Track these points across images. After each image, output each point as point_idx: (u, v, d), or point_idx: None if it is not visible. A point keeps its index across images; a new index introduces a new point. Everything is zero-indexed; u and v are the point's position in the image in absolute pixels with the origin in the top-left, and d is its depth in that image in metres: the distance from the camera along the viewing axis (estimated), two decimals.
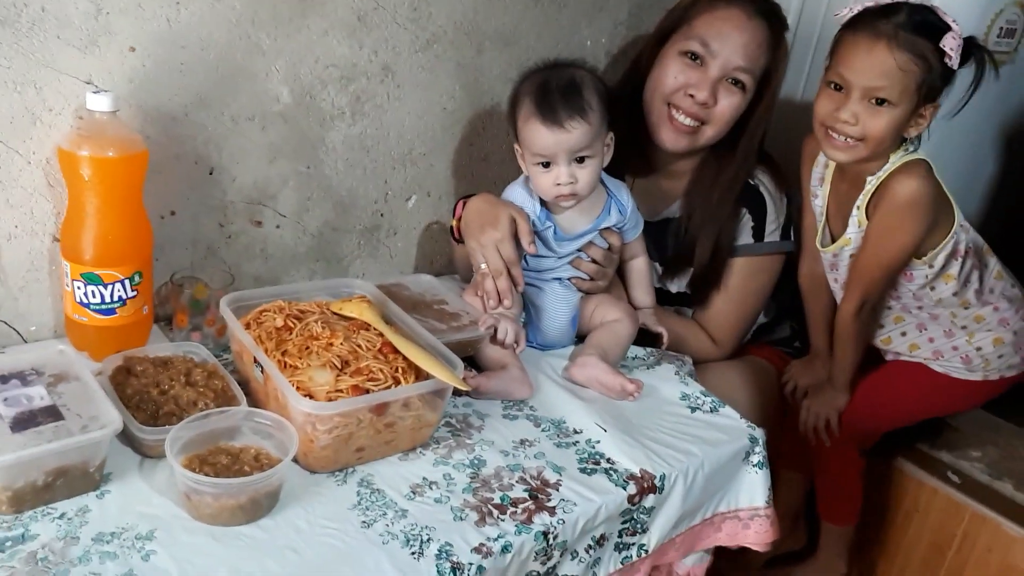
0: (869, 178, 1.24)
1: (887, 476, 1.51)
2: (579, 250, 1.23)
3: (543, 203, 1.20)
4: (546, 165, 1.16)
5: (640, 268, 1.32)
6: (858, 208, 1.26)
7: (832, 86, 1.20)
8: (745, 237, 1.38)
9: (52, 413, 0.86)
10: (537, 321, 1.24)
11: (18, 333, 1.10)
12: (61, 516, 0.83)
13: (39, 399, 0.88)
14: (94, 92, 0.99)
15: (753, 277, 1.40)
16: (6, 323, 1.08)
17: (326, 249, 1.34)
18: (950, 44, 1.12)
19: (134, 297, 1.06)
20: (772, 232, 1.38)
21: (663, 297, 1.43)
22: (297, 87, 1.21)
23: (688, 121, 1.30)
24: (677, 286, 1.43)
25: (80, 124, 1.03)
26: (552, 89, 1.14)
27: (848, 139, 1.19)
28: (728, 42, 1.27)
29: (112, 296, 1.04)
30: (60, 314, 1.10)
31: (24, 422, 0.84)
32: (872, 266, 1.27)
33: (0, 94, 0.99)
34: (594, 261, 1.24)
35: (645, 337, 1.29)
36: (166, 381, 0.98)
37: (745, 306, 1.42)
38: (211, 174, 1.18)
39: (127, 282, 1.04)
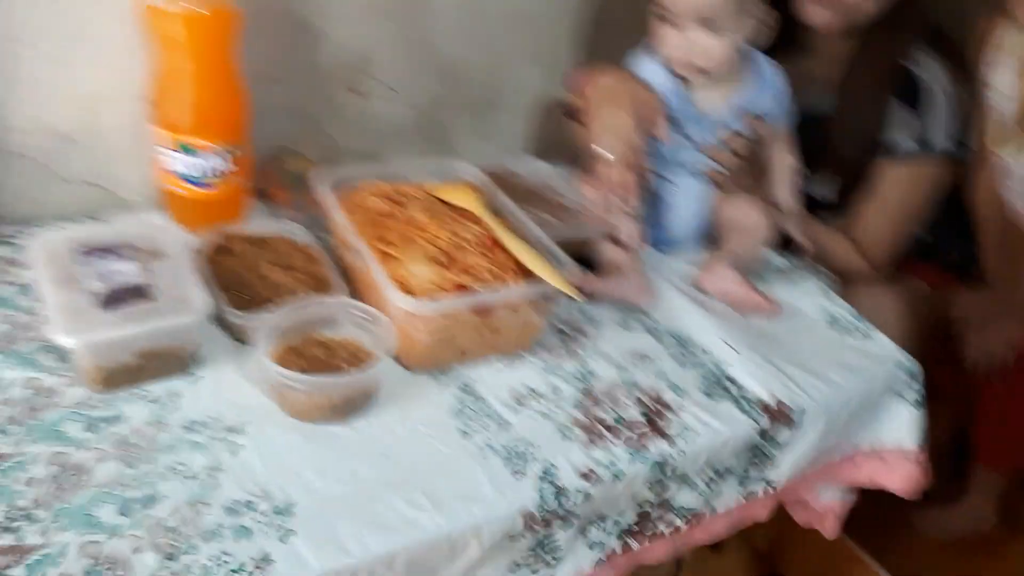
0: None
1: None
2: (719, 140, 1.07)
3: (679, 77, 1.04)
4: (675, 24, 1.00)
5: (787, 164, 1.14)
6: None
7: None
8: (905, 139, 1.20)
9: (144, 292, 0.81)
10: (663, 218, 1.11)
11: (118, 199, 1.06)
12: (154, 400, 0.80)
13: (132, 276, 0.83)
14: None
15: (912, 187, 1.23)
16: (106, 189, 1.05)
17: (433, 125, 1.23)
18: None
19: (232, 170, 0.99)
20: (938, 134, 1.20)
21: (807, 203, 1.25)
22: None
23: None
24: (824, 192, 1.27)
25: None
26: None
27: None
28: None
29: (209, 168, 0.97)
30: (158, 184, 1.05)
31: (116, 299, 0.80)
32: None
33: None
34: (735, 154, 1.08)
35: (786, 245, 1.14)
36: (264, 264, 0.92)
37: (900, 220, 1.26)
38: (314, 38, 1.07)
39: (224, 154, 0.97)
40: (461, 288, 0.84)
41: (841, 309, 1.06)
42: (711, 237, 1.13)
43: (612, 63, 1.08)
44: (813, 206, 1.27)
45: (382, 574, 0.69)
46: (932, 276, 1.35)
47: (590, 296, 0.97)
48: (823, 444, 0.92)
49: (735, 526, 0.94)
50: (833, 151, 1.23)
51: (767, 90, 1.07)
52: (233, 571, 0.65)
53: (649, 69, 1.05)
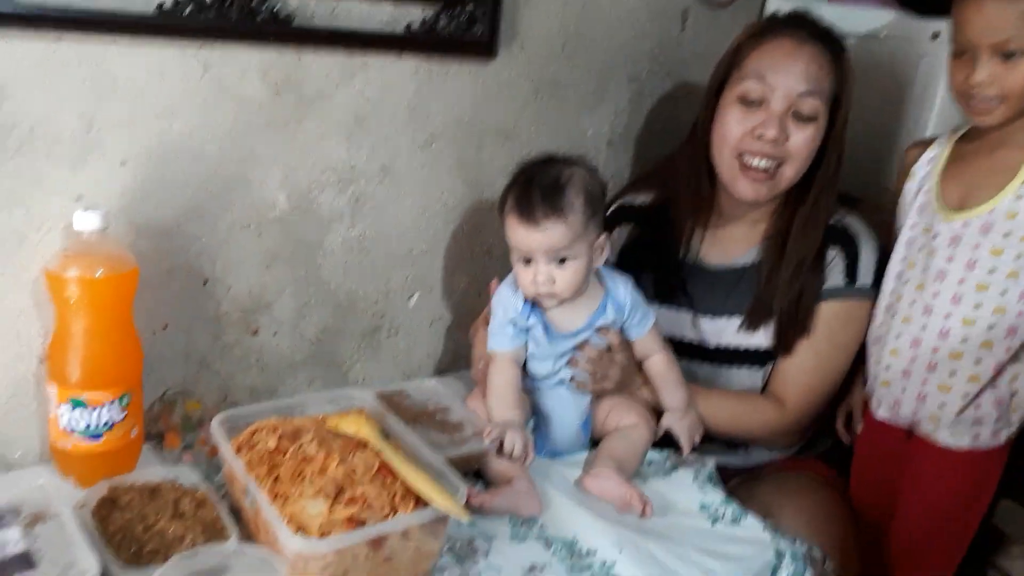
0: None
1: None
2: (577, 349, 1.17)
3: (534, 300, 1.15)
4: (528, 262, 1.11)
5: (659, 367, 1.22)
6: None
7: (959, 55, 1.13)
8: (835, 279, 1.26)
9: (26, 561, 0.81)
10: (546, 428, 1.18)
11: (3, 458, 1.05)
12: None
13: (13, 544, 0.82)
14: (82, 211, 0.97)
15: (843, 327, 1.26)
16: None
17: (325, 354, 1.29)
18: None
19: (122, 420, 1.01)
20: (865, 274, 1.26)
21: (740, 356, 1.32)
22: (294, 192, 1.18)
23: (764, 164, 1.21)
24: (759, 341, 1.30)
25: (68, 244, 1.00)
26: (534, 186, 1.09)
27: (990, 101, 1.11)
28: (784, 71, 1.19)
29: (99, 420, 0.99)
30: (47, 439, 1.05)
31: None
32: None
33: None
34: (591, 361, 1.17)
35: (671, 439, 1.21)
36: (152, 514, 0.92)
37: (829, 363, 1.27)
38: (205, 285, 1.15)
39: (115, 404, 1.00)
40: (352, 521, 0.87)
41: (713, 497, 1.13)
42: (594, 438, 1.20)
43: (493, 284, 1.20)
44: (747, 358, 1.31)
45: None
46: (821, 468, 1.36)
47: (481, 509, 1.01)
48: None
49: None
50: (764, 298, 1.27)
51: (615, 303, 1.17)
52: None
53: (504, 292, 1.16)
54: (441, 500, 0.90)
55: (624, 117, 1.52)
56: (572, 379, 1.17)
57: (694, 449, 1.20)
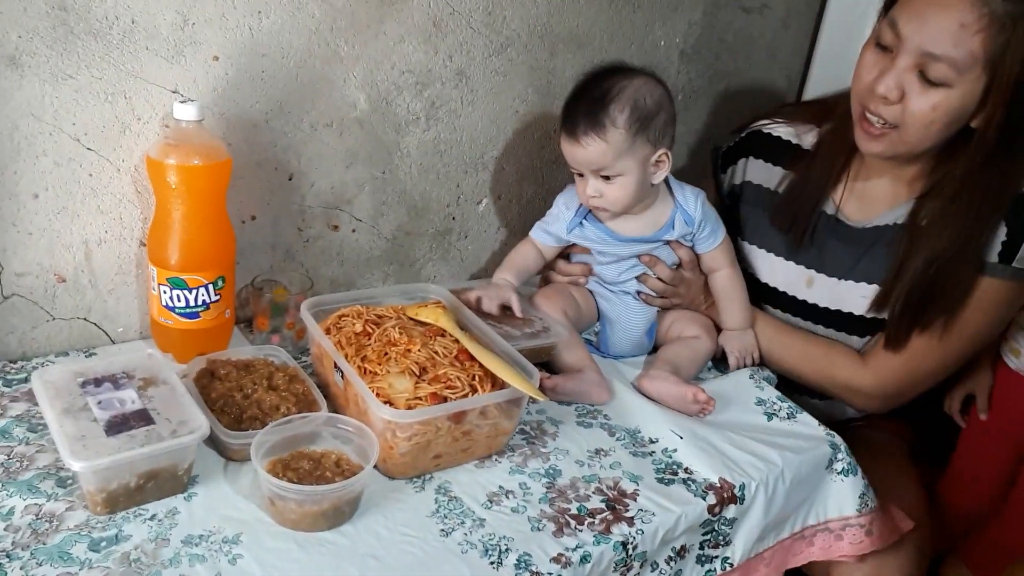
0: None
1: None
2: (646, 263, 1.20)
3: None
4: (581, 174, 1.13)
5: (723, 283, 1.21)
6: None
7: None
8: (991, 255, 1.10)
9: (143, 417, 0.88)
10: (611, 332, 1.23)
11: (107, 334, 1.13)
12: (152, 517, 0.85)
13: (131, 403, 0.90)
14: (180, 102, 1.01)
15: (991, 308, 1.11)
16: (96, 324, 1.12)
17: (400, 253, 1.35)
18: None
19: (217, 301, 1.08)
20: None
21: (852, 322, 1.20)
22: (374, 93, 1.22)
23: (876, 121, 1.07)
24: (890, 309, 1.15)
25: (167, 132, 1.05)
26: (581, 100, 1.08)
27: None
28: (923, 23, 1.00)
29: (196, 300, 1.06)
30: (146, 316, 1.13)
31: (117, 425, 0.86)
32: None
33: (92, 104, 1.02)
34: (660, 279, 1.20)
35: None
36: (249, 385, 1.00)
37: (948, 346, 1.13)
38: (290, 179, 1.20)
39: (211, 287, 1.07)
40: (436, 397, 0.93)
41: (769, 393, 1.17)
42: (658, 346, 1.24)
43: (560, 194, 1.23)
44: (860, 325, 1.20)
45: None
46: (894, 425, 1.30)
47: (554, 392, 1.07)
48: (769, 518, 1.02)
49: None
50: (906, 264, 1.12)
51: (684, 216, 1.17)
52: None
53: (561, 201, 1.21)
54: (517, 381, 0.95)
55: (697, 29, 1.51)
56: (639, 293, 1.21)
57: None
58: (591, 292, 1.23)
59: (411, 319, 1.07)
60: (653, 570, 0.95)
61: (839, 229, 1.21)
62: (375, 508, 0.90)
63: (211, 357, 1.04)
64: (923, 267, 1.10)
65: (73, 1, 0.96)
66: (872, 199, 1.20)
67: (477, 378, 0.97)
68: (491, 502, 0.93)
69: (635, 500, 0.95)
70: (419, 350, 0.99)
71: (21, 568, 0.77)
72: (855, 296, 1.20)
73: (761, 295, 1.28)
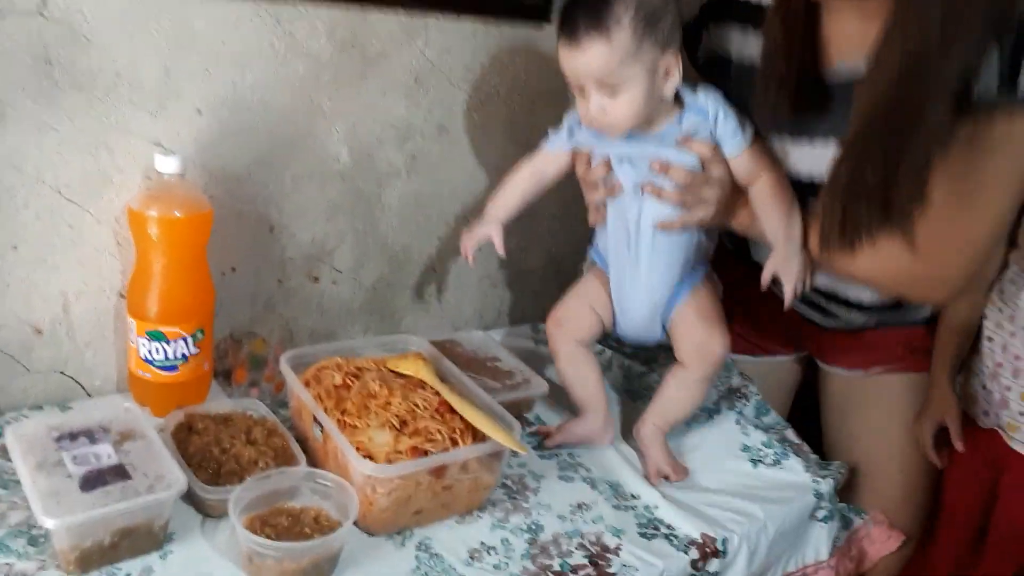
0: None
1: None
2: (657, 170, 1.01)
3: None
4: (582, 91, 0.98)
5: (764, 191, 1.00)
6: None
7: None
8: (986, 79, 0.88)
9: (119, 472, 0.87)
10: (618, 312, 1.11)
11: (83, 388, 1.12)
12: None
13: (107, 457, 0.89)
14: (162, 154, 1.02)
15: (1005, 144, 0.89)
16: (72, 378, 1.11)
17: (380, 303, 1.35)
18: None
19: (196, 354, 1.07)
20: None
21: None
22: (356, 146, 1.23)
23: None
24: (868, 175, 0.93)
25: (149, 184, 1.06)
26: (579, 1, 0.95)
27: None
28: None
29: (175, 353, 1.05)
30: (123, 369, 1.12)
31: (92, 481, 0.85)
32: None
33: (74, 156, 1.02)
34: (678, 185, 0.99)
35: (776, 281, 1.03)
36: (227, 439, 0.98)
37: (981, 197, 0.92)
38: (271, 231, 1.20)
39: (190, 339, 1.06)
40: (417, 451, 0.93)
41: (755, 439, 1.17)
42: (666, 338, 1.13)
43: (542, 248, 1.23)
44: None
45: None
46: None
47: (560, 447, 1.08)
48: (751, 569, 1.02)
49: None
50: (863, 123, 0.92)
51: (697, 105, 1.01)
52: None
53: (567, 121, 1.07)
54: (498, 434, 0.95)
55: None
56: (660, 223, 1.03)
57: (818, 308, 1.13)
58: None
59: (391, 371, 1.06)
60: None
61: (827, 88, 1.01)
62: (355, 565, 0.89)
63: (189, 411, 1.03)
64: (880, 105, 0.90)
65: (58, 55, 0.97)
66: (847, 45, 0.99)
67: (458, 431, 0.97)
68: (472, 559, 0.92)
69: (618, 555, 0.95)
70: (399, 403, 0.99)
71: None
72: (827, 160, 1.00)
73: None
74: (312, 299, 1.27)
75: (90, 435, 0.92)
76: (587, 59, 0.94)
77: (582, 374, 1.14)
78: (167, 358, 1.05)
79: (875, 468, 1.27)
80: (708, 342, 1.08)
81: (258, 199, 1.17)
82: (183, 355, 1.06)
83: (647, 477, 1.09)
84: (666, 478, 1.09)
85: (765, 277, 1.02)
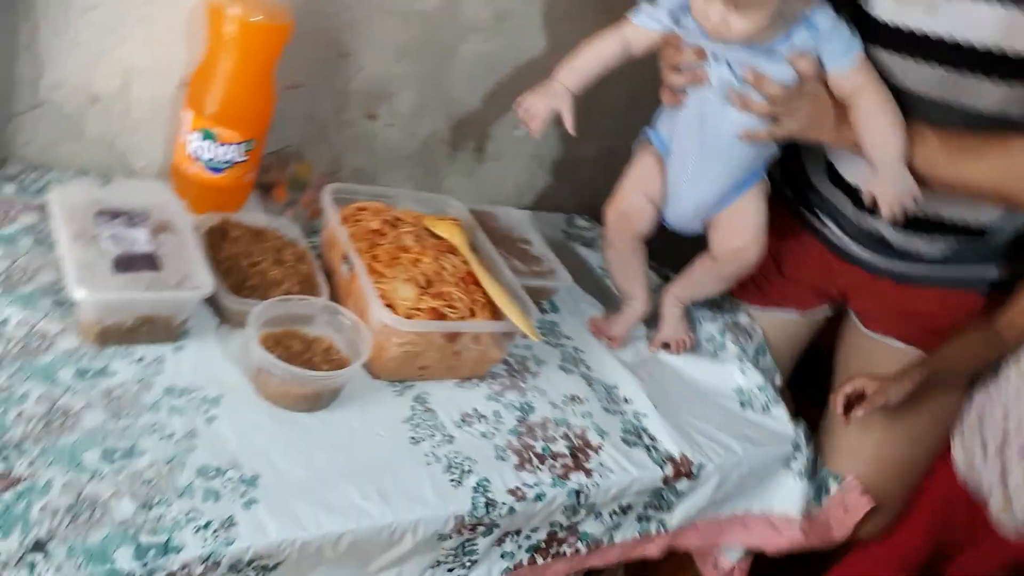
0: None
1: None
2: (748, 80, 0.95)
3: None
4: None
5: (867, 106, 0.94)
6: None
7: None
8: None
9: (151, 262, 0.89)
10: (677, 193, 1.07)
11: (127, 166, 1.13)
12: (140, 360, 0.87)
13: (142, 243, 0.91)
14: None
15: None
16: (119, 153, 1.11)
17: (428, 158, 1.34)
18: None
19: (243, 162, 1.07)
20: None
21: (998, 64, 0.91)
22: None
23: None
24: None
25: None
26: None
27: None
28: None
29: (224, 156, 1.05)
30: (169, 158, 1.12)
31: (125, 264, 0.87)
32: None
33: None
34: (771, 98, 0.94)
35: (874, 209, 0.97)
36: (257, 254, 1.00)
37: None
38: (342, 57, 1.17)
39: (241, 146, 1.06)
40: (436, 312, 0.95)
41: (750, 382, 1.20)
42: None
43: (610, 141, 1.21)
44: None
45: (327, 550, 0.78)
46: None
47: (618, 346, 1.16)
48: (715, 498, 1.07)
49: (626, 557, 1.06)
50: None
51: (812, 22, 0.93)
52: (200, 527, 0.73)
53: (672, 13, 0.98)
54: (516, 316, 0.97)
55: None
56: (742, 133, 0.99)
57: (915, 227, 1.03)
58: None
59: (427, 230, 1.07)
60: (596, 519, 0.99)
61: None
62: (353, 402, 0.93)
63: (226, 216, 1.04)
64: None
65: None
66: None
67: (478, 304, 0.99)
68: (463, 422, 0.96)
69: (597, 453, 0.99)
70: (429, 263, 1.00)
71: (8, 379, 0.79)
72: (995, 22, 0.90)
73: (868, 34, 0.97)
74: (364, 137, 1.26)
75: (129, 218, 0.93)
76: None
77: (633, 267, 1.16)
78: (214, 159, 1.05)
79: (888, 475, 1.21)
80: (746, 249, 1.08)
81: (337, 21, 1.14)
82: (230, 160, 1.06)
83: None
84: (666, 347, 1.16)
85: (868, 197, 0.97)
